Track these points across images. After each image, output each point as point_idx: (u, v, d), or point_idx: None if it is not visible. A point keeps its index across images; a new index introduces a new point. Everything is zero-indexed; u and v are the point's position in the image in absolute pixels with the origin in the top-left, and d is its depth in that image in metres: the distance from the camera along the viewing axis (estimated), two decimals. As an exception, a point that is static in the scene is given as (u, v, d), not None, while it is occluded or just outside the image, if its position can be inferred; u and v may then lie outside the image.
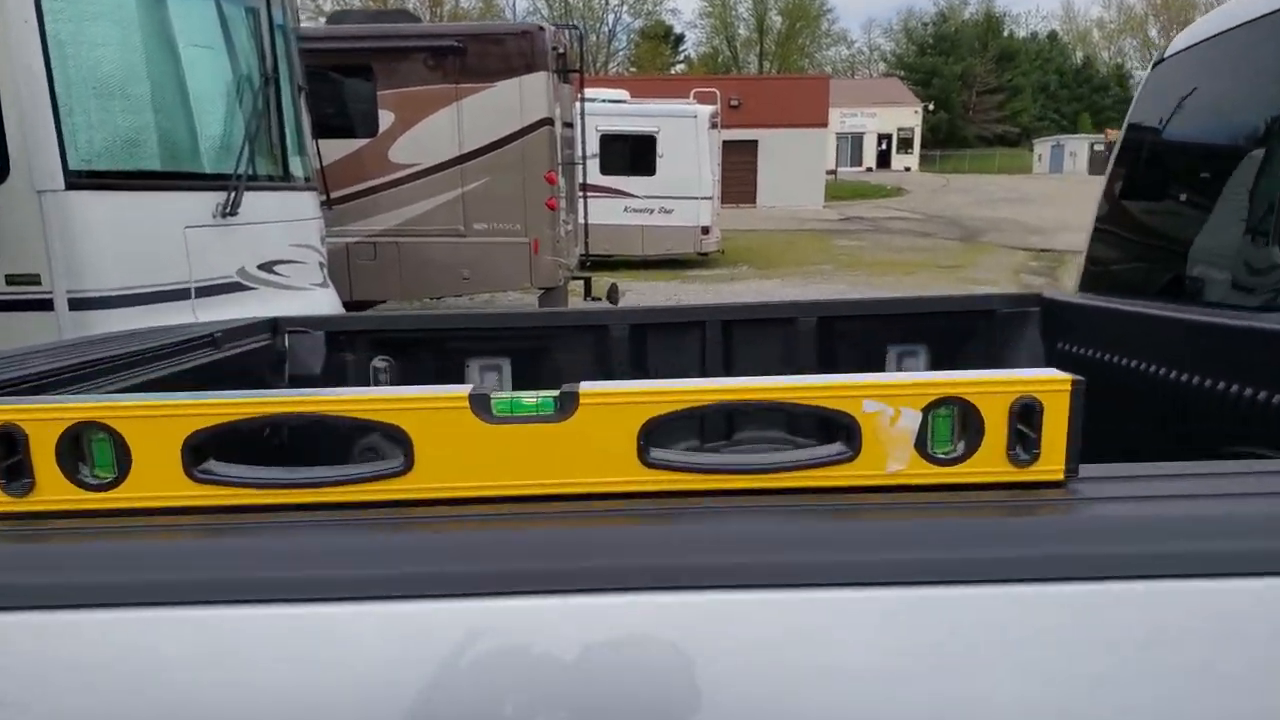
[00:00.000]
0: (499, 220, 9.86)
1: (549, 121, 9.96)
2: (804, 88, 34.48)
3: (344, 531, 0.69)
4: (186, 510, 0.70)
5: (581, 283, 11.47)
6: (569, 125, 11.39)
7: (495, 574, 0.66)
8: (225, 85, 4.53)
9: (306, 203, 5.27)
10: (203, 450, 0.71)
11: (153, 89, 4.09)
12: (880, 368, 2.32)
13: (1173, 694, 0.63)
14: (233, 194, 4.38)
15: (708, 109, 18.24)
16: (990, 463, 0.73)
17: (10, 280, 3.70)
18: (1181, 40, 2.16)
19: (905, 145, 55.60)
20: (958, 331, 2.38)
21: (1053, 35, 79.18)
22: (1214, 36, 2.02)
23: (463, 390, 0.73)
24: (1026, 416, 0.72)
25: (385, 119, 9.72)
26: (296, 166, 5.18)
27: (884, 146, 54.95)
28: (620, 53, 74.67)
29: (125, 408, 0.67)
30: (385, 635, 0.63)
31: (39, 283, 3.72)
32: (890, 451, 0.73)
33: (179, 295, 4.15)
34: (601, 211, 15.89)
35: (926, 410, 0.72)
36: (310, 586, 0.64)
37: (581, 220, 12.26)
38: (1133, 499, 0.72)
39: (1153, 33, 76.49)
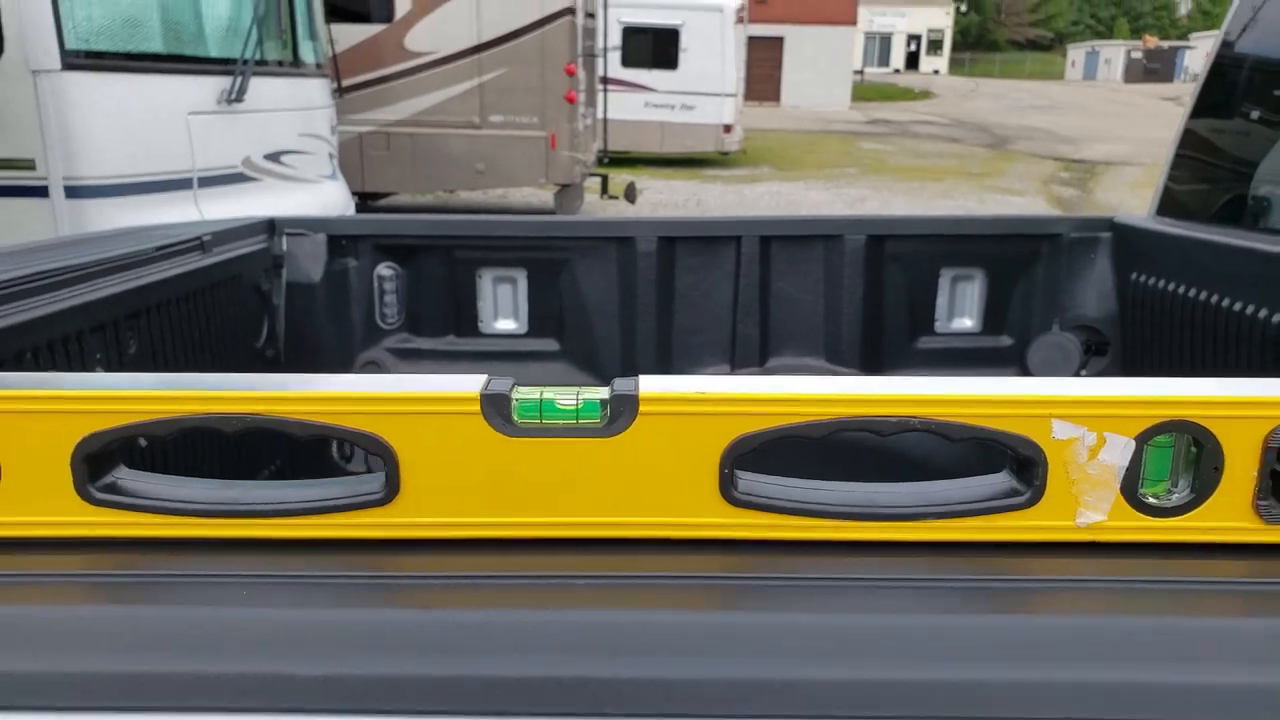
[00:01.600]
0: (516, 113, 9.70)
1: (570, 11, 9.81)
2: (834, -17, 33.49)
3: (287, 593, 0.50)
4: (77, 544, 0.53)
5: (598, 179, 11.34)
6: (590, 15, 11.18)
7: (509, 685, 0.44)
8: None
9: (316, 90, 5.06)
10: (101, 459, 0.54)
11: (153, -35, 3.88)
12: (933, 293, 2.14)
13: None
14: (239, 79, 4.18)
15: (734, 3, 17.73)
16: (1226, 515, 0.53)
17: (3, 165, 3.55)
18: None
19: (935, 47, 54.15)
20: (1020, 256, 2.19)
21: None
22: None
23: (473, 388, 0.53)
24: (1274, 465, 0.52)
25: (402, 5, 9.58)
26: (306, 52, 4.96)
27: (913, 48, 53.54)
28: (644, -61, 72.57)
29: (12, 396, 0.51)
30: None
31: (34, 168, 3.57)
32: (1085, 495, 0.53)
33: (181, 185, 4.00)
34: (621, 106, 15.56)
35: (1142, 439, 0.52)
36: (223, 692, 0.44)
37: (600, 115, 12.06)
38: None
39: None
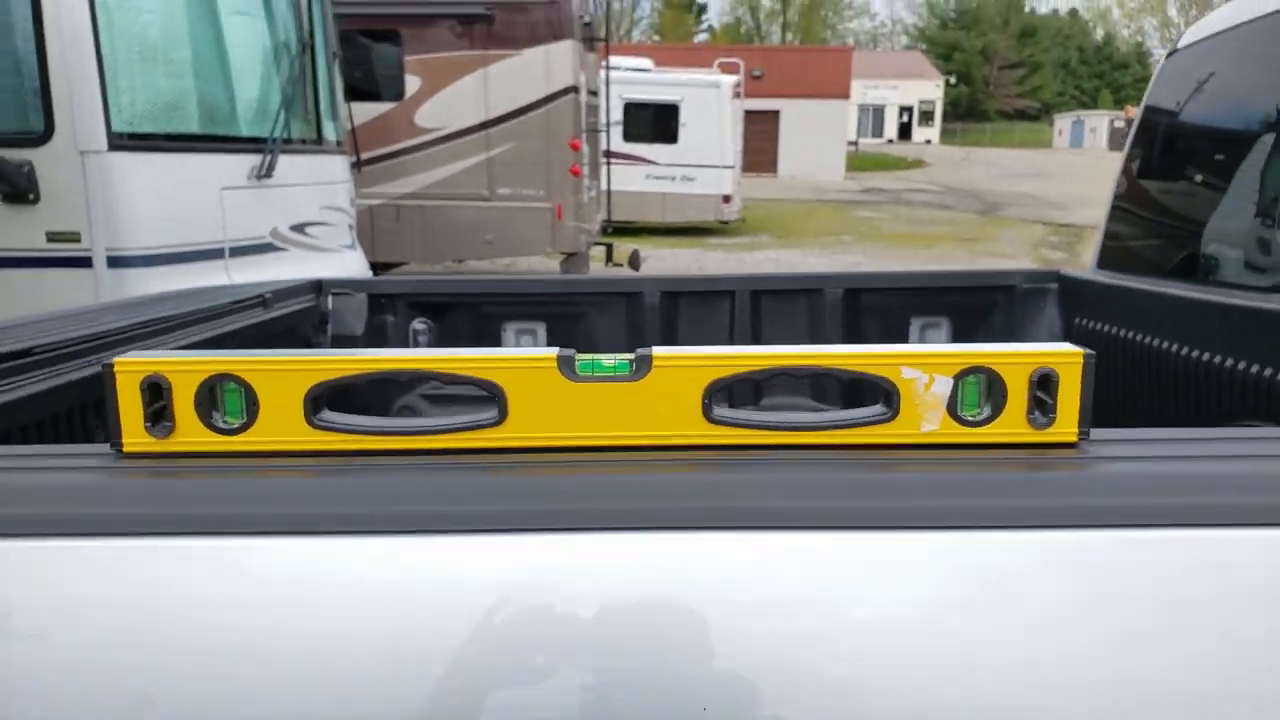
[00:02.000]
0: (523, 185, 9.98)
1: (574, 89, 10.06)
2: (826, 59, 34.28)
3: (446, 473, 0.76)
4: (306, 454, 0.78)
5: (603, 248, 11.57)
6: (593, 93, 11.47)
7: (577, 512, 0.74)
8: (263, 50, 4.60)
9: (337, 166, 5.34)
10: (320, 401, 0.78)
11: (193, 53, 4.17)
12: (903, 339, 2.38)
13: (1172, 626, 0.72)
14: (268, 157, 4.46)
15: (731, 79, 18.25)
16: (1012, 425, 0.81)
17: (51, 238, 3.78)
18: (1194, 33, 2.23)
19: (926, 118, 55.21)
20: (979, 305, 2.45)
21: (1073, 12, 78.87)
22: (1224, 31, 2.08)
23: (551, 352, 0.79)
24: (1044, 385, 0.79)
25: (412, 83, 9.80)
26: (329, 130, 5.25)
27: (905, 119, 54.58)
28: (644, 20, 74.28)
29: (255, 362, 0.74)
30: (482, 563, 0.72)
31: (79, 240, 3.81)
32: (925, 414, 0.81)
33: (213, 255, 4.24)
34: (624, 178, 15.91)
35: (958, 377, 0.80)
36: (416, 520, 0.72)
37: (604, 186, 12.34)
38: (1136, 459, 0.81)
39: (1172, 12, 75.50)
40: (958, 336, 2.47)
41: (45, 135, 3.69)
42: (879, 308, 2.40)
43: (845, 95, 33.14)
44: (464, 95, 9.89)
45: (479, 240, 10.15)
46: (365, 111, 8.89)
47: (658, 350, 0.80)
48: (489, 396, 0.79)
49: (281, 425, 0.76)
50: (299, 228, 4.81)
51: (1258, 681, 0.72)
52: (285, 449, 0.76)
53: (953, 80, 61.40)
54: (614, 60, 16.29)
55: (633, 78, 17.29)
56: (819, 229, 19.28)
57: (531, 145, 9.93)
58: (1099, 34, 78.90)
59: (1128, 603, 0.72)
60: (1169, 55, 2.39)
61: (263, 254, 4.53)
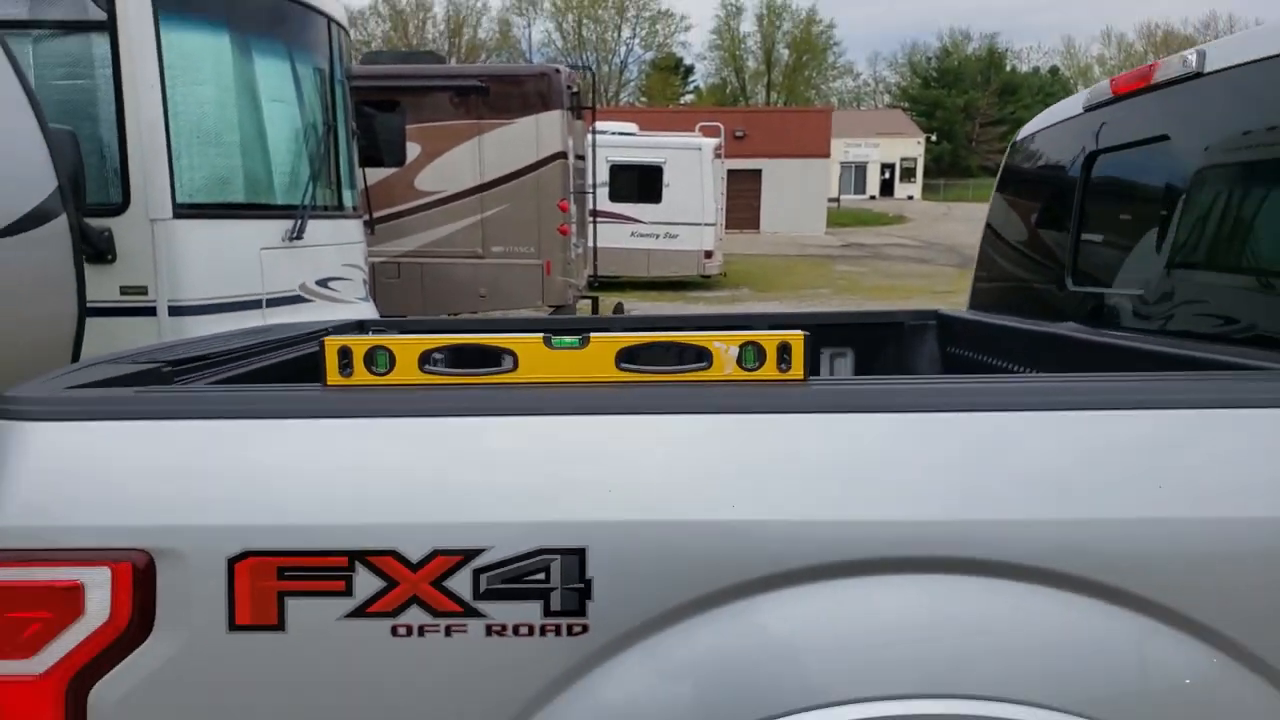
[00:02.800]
0: (515, 243, 10.67)
1: (562, 155, 10.75)
2: (807, 120, 35.43)
3: (486, 390, 1.41)
4: (418, 385, 1.47)
5: (589, 301, 12.23)
6: (580, 157, 12.21)
7: (552, 406, 1.33)
8: (296, 132, 5.41)
9: (354, 229, 6.12)
10: (425, 359, 1.48)
11: (240, 136, 4.96)
12: (817, 367, 3.12)
13: (844, 453, 1.27)
14: (299, 221, 5.23)
15: (711, 141, 19.16)
16: (769, 372, 1.41)
17: (123, 290, 4.53)
18: (1030, 128, 3.00)
19: (908, 174, 56.46)
20: (876, 338, 3.17)
21: (1054, 70, 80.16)
22: (1049, 126, 2.86)
23: (539, 335, 1.45)
24: (786, 350, 1.41)
25: (412, 150, 10.39)
26: (347, 198, 6.04)
27: (887, 175, 55.79)
28: (631, 83, 75.59)
29: (393, 340, 1.47)
30: (502, 433, 1.41)
31: (146, 293, 4.55)
32: (725, 365, 1.43)
33: (254, 305, 4.98)
34: (610, 236, 16.66)
35: (740, 347, 1.42)
36: (466, 407, 1.33)
37: (591, 244, 13.06)
38: (832, 387, 1.49)
39: (1155, 68, 77.58)
40: (859, 364, 3.18)
41: (123, 206, 4.45)
42: None
43: (825, 154, 34.21)
44: (460, 161, 10.54)
45: (473, 294, 10.71)
46: (370, 176, 9.65)
47: (593, 335, 1.50)
48: (510, 353, 1.49)
49: (406, 372, 1.47)
50: (323, 282, 5.58)
51: (880, 473, 1.40)
52: (408, 383, 1.48)
53: (933, 138, 62.79)
54: (601, 124, 17.22)
55: (619, 141, 18.18)
56: (798, 283, 20.10)
57: (523, 206, 10.57)
58: (1080, 91, 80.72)
59: (821, 445, 1.31)
60: (1013, 143, 3.16)
61: (293, 304, 5.28)
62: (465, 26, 70.86)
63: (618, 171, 18.05)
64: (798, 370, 1.43)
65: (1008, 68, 76.63)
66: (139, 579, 1.18)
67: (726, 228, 26.14)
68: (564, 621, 1.18)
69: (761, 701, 1.17)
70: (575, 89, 11.74)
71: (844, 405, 1.29)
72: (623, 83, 75.14)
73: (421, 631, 1.18)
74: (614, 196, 17.80)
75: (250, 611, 1.18)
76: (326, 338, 1.45)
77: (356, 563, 1.18)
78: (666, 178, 18.44)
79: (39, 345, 3.34)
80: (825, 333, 3.12)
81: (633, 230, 18.26)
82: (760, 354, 1.41)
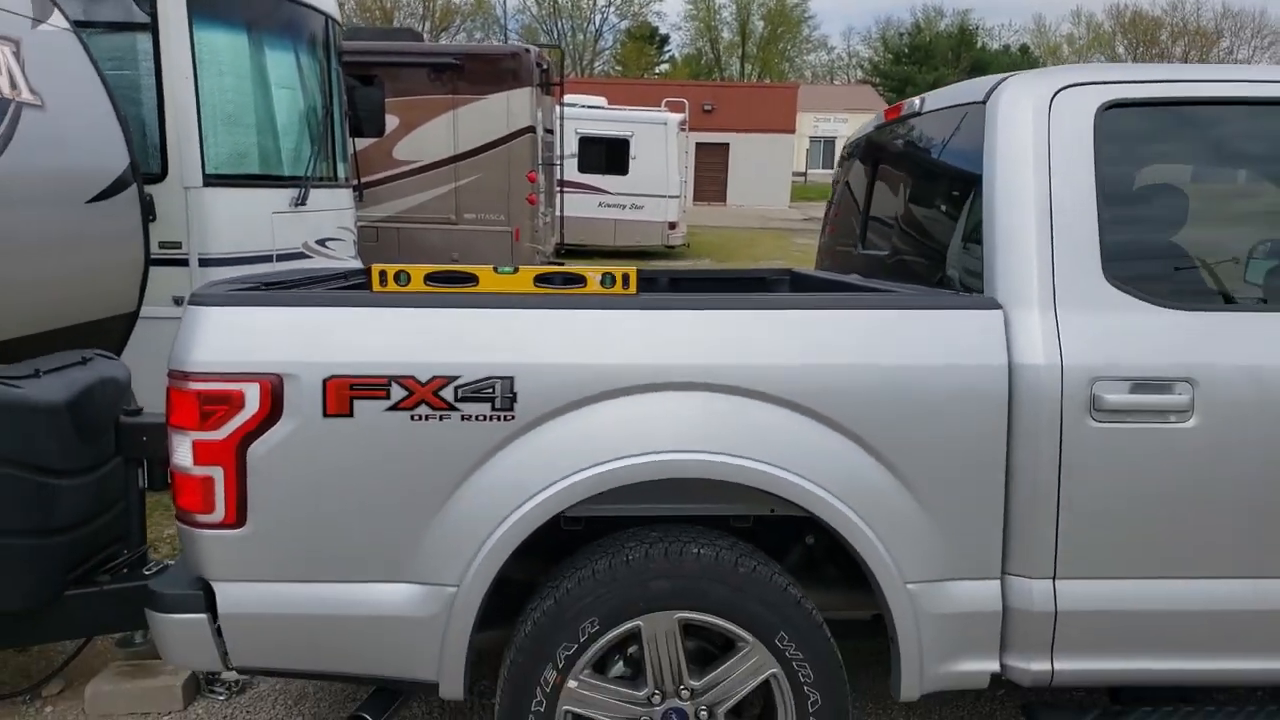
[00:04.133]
0: (486, 211, 11.54)
1: (531, 129, 11.70)
2: (774, 95, 36.38)
3: (458, 295, 2.48)
4: (422, 294, 2.50)
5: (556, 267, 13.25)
6: (549, 131, 13.16)
7: (490, 303, 2.43)
8: (300, 113, 6.38)
9: (345, 196, 7.11)
10: (429, 278, 2.50)
11: (256, 118, 5.94)
12: None
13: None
14: (302, 190, 6.23)
15: (677, 116, 20.11)
16: (618, 288, 2.45)
17: (161, 245, 5.51)
18: (853, 134, 4.04)
19: (877, 151, 57.31)
20: (748, 289, 4.24)
21: (1024, 49, 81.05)
22: (860, 135, 3.90)
23: (490, 265, 2.54)
24: (626, 278, 2.47)
25: (391, 121, 11.21)
26: (340, 170, 7.03)
27: (855, 151, 56.69)
28: (606, 51, 75.78)
29: (408, 266, 2.49)
30: (460, 322, 2.46)
31: (180, 247, 5.54)
32: (592, 283, 2.46)
33: (265, 259, 5.98)
34: (578, 205, 17.69)
35: (602, 275, 2.46)
36: (448, 302, 2.46)
37: (558, 213, 14.04)
38: (657, 300, 2.59)
39: (1120, 49, 78.79)
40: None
41: (161, 175, 5.44)
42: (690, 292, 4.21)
43: (791, 130, 35.21)
44: (436, 133, 11.42)
45: (446, 258, 11.50)
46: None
47: (522, 267, 2.55)
48: (474, 278, 2.53)
49: (417, 285, 2.49)
50: (321, 242, 6.58)
51: (674, 336, 2.47)
52: (418, 290, 2.49)
53: (900, 115, 63.74)
54: (571, 97, 18.20)
55: (588, 114, 19.12)
56: (757, 254, 21.13)
57: (494, 177, 11.48)
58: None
59: (638, 324, 2.45)
60: (845, 144, 4.20)
61: (297, 260, 6.28)
62: (441, -9, 70.75)
63: (586, 144, 18.97)
64: (632, 289, 2.51)
65: (978, 45, 77.59)
66: (274, 389, 2.24)
67: (694, 200, 27.17)
68: (502, 413, 2.24)
69: (595, 452, 2.24)
70: (545, 66, 12.68)
71: (652, 305, 2.34)
72: (597, 51, 75.35)
73: (425, 419, 2.24)
74: (582, 168, 18.78)
75: (334, 406, 2.24)
76: (374, 264, 2.51)
77: (392, 382, 2.24)
78: (633, 150, 19.33)
79: (115, 285, 4.34)
80: (710, 284, 4.19)
81: (600, 200, 19.18)
82: (612, 280, 2.49)
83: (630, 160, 19.35)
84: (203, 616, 2.31)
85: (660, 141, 19.44)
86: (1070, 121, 2.38)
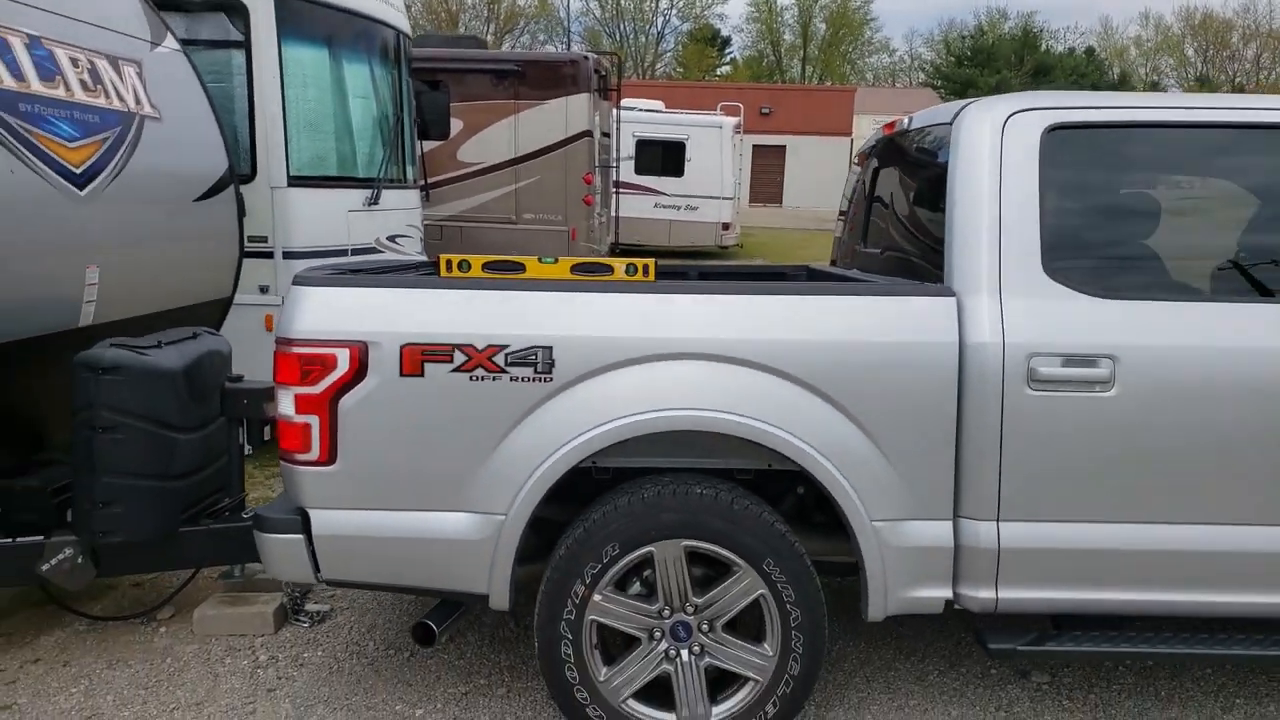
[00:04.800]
0: (544, 211, 12.11)
1: (589, 133, 12.25)
2: (830, 99, 36.66)
3: (510, 280, 3.01)
4: (487, 279, 3.03)
5: (609, 266, 13.76)
6: (606, 135, 13.70)
7: (534, 286, 2.98)
8: (374, 120, 6.99)
9: (413, 197, 7.71)
10: (487, 266, 3.01)
11: (334, 125, 6.56)
12: None
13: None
14: (375, 190, 6.84)
15: (732, 120, 20.59)
16: (638, 277, 2.99)
17: (250, 239, 6.14)
18: (860, 146, 4.49)
19: (937, 153, 57.03)
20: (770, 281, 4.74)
21: (1090, 51, 79.81)
22: (866, 146, 4.35)
23: (535, 256, 3.05)
24: (647, 268, 3.00)
25: (455, 125, 11.78)
26: (409, 172, 7.64)
27: (916, 154, 56.49)
28: (668, 53, 76.29)
29: (468, 256, 3.01)
30: (490, 304, 2.98)
31: (266, 241, 6.17)
32: (617, 272, 3.01)
33: (341, 253, 6.59)
34: (635, 206, 18.26)
35: (626, 265, 3.02)
36: (504, 285, 2.97)
37: (614, 214, 14.55)
38: (664, 283, 3.09)
39: (1189, 52, 77.25)
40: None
41: (251, 176, 6.07)
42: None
43: (848, 132, 35.45)
44: (498, 136, 11.99)
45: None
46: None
47: (561, 257, 3.05)
48: (522, 266, 3.04)
49: (476, 272, 3.01)
50: (391, 238, 7.18)
51: (683, 317, 2.96)
52: (477, 275, 3.00)
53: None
54: (629, 101, 18.73)
55: (645, 117, 19.65)
56: (809, 255, 21.43)
57: (552, 178, 12.04)
58: (1115, 72, 79.94)
59: (655, 307, 2.95)
60: (858, 151, 4.65)
61: (369, 254, 6.90)
62: (505, -7, 71.82)
63: (643, 146, 19.46)
64: (650, 277, 3.02)
65: (1042, 48, 76.58)
66: (360, 353, 2.78)
67: (750, 202, 27.40)
68: (543, 376, 2.76)
69: (617, 408, 2.74)
70: (604, 73, 13.24)
71: (663, 290, 2.84)
72: (659, 53, 75.89)
73: (482, 379, 2.77)
74: (639, 170, 19.30)
75: (408, 368, 2.78)
76: (440, 254, 3.05)
77: (454, 349, 2.77)
78: (689, 153, 19.77)
79: (215, 274, 4.96)
80: (734, 277, 4.68)
81: (656, 202, 19.67)
82: (634, 269, 3.00)
83: (685, 163, 19.78)
84: (300, 537, 2.86)
85: (715, 144, 19.88)
86: (1020, 140, 2.84)
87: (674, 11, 76.28)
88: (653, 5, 74.98)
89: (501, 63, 12.65)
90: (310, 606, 3.97)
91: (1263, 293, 2.85)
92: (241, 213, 5.17)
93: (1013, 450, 2.74)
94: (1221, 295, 2.88)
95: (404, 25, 7.50)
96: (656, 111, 20.40)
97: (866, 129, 49.58)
